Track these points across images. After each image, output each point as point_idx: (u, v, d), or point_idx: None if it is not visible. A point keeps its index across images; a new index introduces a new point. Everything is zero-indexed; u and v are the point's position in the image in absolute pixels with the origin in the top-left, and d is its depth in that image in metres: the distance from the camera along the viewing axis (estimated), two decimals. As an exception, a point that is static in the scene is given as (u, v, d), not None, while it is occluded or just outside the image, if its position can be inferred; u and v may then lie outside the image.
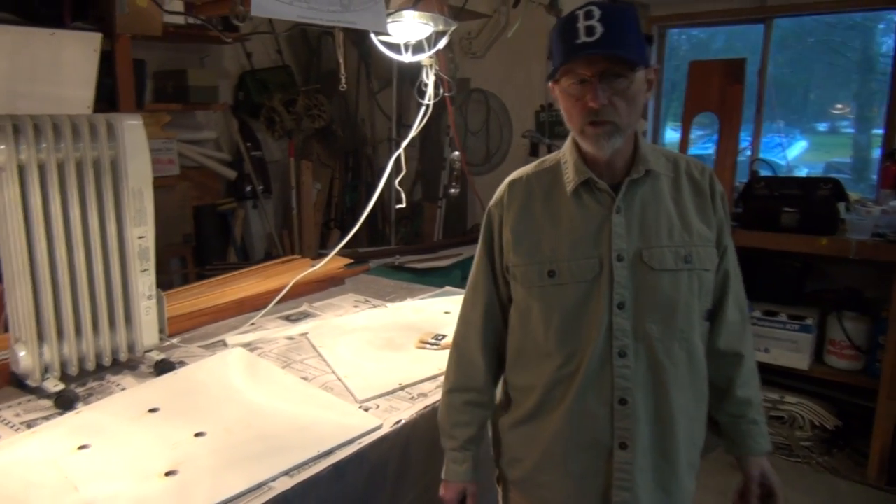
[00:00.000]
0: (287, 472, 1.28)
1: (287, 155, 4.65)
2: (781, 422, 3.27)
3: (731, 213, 3.14)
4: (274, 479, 1.26)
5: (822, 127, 5.99)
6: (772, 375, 3.21)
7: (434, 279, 3.21)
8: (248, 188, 4.38)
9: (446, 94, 2.14)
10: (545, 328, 1.27)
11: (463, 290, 1.62)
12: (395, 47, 1.86)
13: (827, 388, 3.26)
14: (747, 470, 1.35)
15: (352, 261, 2.75)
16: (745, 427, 1.34)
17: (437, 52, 1.97)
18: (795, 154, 5.11)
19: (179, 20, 3.47)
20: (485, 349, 1.38)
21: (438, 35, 1.89)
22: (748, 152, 3.73)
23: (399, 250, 3.53)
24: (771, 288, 3.06)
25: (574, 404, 1.26)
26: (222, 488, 1.21)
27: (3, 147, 1.44)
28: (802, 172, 4.68)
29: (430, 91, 1.97)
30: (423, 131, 4.84)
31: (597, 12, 1.15)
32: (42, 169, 1.51)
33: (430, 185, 4.89)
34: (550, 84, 1.24)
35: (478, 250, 1.40)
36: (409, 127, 5.20)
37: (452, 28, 1.81)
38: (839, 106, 5.74)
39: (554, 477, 1.30)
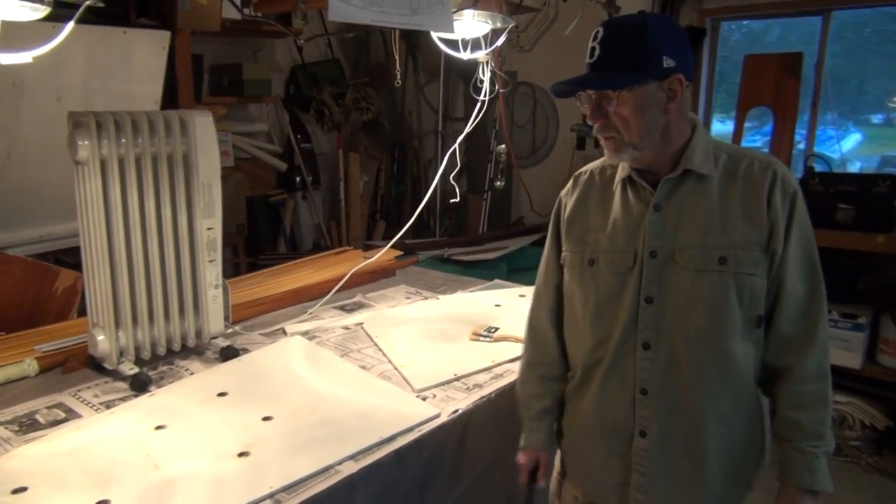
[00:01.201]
0: (352, 457, 1.34)
1: (335, 147, 4.73)
2: (831, 421, 3.22)
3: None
4: (340, 462, 1.32)
5: (877, 119, 5.81)
6: (822, 374, 3.17)
7: (481, 271, 3.24)
8: (298, 179, 4.48)
9: (501, 91, 2.16)
10: (582, 313, 1.36)
11: (510, 284, 1.73)
12: (453, 45, 1.89)
13: (879, 387, 3.20)
14: (778, 499, 1.29)
15: (402, 252, 2.81)
16: (789, 452, 1.27)
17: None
18: (849, 147, 4.99)
19: (236, 15, 3.57)
20: (555, 325, 1.46)
21: (495, 32, 1.92)
22: (801, 146, 3.67)
23: (447, 242, 3.57)
24: (823, 285, 3.01)
25: (601, 387, 1.34)
26: (293, 470, 1.28)
27: (86, 142, 1.53)
28: (856, 166, 4.57)
29: (486, 87, 2.00)
30: (470, 124, 4.87)
31: (601, 34, 1.22)
32: (121, 163, 1.59)
33: (476, 177, 4.92)
34: None
35: (548, 233, 1.49)
36: (455, 120, 5.22)
37: (511, 26, 1.83)
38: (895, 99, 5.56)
39: (584, 452, 1.41)
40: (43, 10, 1.03)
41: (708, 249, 1.24)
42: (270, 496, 1.21)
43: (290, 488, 1.24)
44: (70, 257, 2.42)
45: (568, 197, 1.43)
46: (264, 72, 4.11)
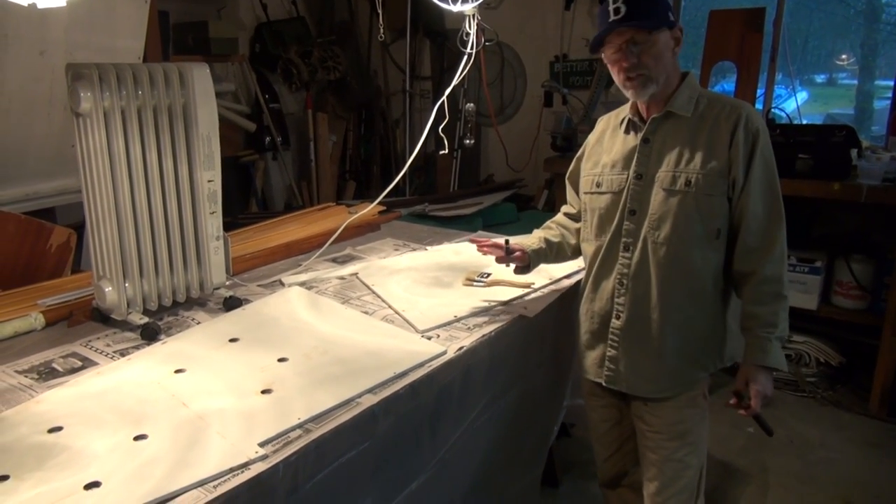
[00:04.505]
0: (370, 391, 1.41)
1: (303, 107, 4.70)
2: (789, 359, 3.43)
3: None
4: (360, 395, 1.39)
5: (819, 79, 6.01)
6: (781, 316, 3.36)
7: (458, 226, 3.31)
8: (268, 140, 4.45)
9: (486, 43, 2.22)
10: (590, 223, 1.74)
11: (495, 234, 2.21)
12: (442, -2, 1.93)
13: (833, 327, 3.42)
14: (739, 375, 1.59)
15: (385, 208, 2.86)
16: (749, 338, 1.58)
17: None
18: (794, 107, 5.18)
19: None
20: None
21: (482, -15, 1.96)
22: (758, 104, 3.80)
23: (427, 199, 3.63)
24: (782, 232, 3.18)
25: (595, 280, 1.73)
26: (317, 403, 1.34)
27: (89, 94, 1.53)
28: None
29: (472, 40, 2.05)
30: (439, 83, 4.89)
31: None
32: (123, 115, 1.60)
33: (445, 135, 4.96)
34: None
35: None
36: (423, 79, 5.20)
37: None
38: (843, 56, 5.77)
39: (584, 329, 1.78)
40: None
41: (678, 174, 1.56)
42: (300, 426, 1.28)
43: (317, 419, 1.31)
44: (56, 216, 2.38)
45: (591, 136, 1.81)
46: (231, 29, 4.05)
